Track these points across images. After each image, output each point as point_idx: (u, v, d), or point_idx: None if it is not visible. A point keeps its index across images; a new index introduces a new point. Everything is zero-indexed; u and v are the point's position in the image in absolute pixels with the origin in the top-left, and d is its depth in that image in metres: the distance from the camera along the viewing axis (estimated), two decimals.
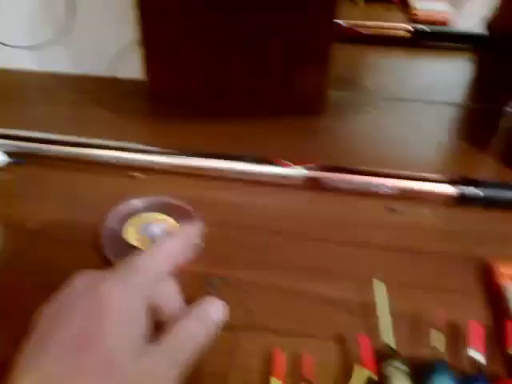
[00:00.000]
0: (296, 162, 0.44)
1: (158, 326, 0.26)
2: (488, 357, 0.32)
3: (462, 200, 0.43)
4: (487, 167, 0.50)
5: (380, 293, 0.34)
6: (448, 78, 0.69)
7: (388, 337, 0.31)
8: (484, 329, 0.32)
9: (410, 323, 0.34)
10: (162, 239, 0.31)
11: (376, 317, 0.32)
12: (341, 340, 0.33)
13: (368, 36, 0.70)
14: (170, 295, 0.28)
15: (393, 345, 0.31)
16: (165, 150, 0.47)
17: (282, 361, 0.31)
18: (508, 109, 0.58)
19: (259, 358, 0.31)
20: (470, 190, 0.42)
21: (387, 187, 0.43)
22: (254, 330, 0.33)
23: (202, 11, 0.51)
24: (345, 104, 0.60)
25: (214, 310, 0.28)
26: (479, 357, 0.30)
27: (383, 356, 0.30)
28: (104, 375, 0.22)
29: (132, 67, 0.59)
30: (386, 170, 0.44)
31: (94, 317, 0.24)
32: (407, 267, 0.38)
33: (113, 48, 0.61)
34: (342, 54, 0.70)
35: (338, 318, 0.34)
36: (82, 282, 0.26)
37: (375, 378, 0.29)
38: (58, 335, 0.23)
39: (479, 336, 0.31)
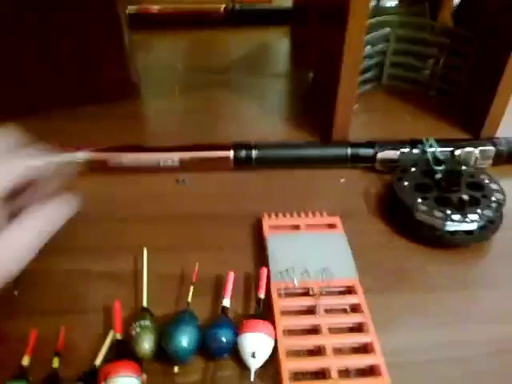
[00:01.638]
0: (82, 146, 0.44)
1: None
2: (244, 302, 0.34)
3: (239, 163, 0.45)
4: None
5: (145, 260, 0.36)
6: (266, 52, 0.73)
7: (144, 301, 0.33)
8: (236, 277, 0.34)
9: (177, 284, 0.36)
10: None
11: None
12: (108, 310, 0.34)
13: (179, 17, 0.72)
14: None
15: (144, 305, 0.32)
16: None
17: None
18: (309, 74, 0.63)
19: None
20: (243, 153, 0.45)
21: (172, 160, 0.45)
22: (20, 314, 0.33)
23: None
24: (155, 87, 0.61)
25: (55, 212, 0.31)
26: (228, 303, 0.33)
27: (136, 316, 0.32)
28: None
29: None
30: (170, 144, 0.45)
31: None
32: (187, 233, 0.40)
33: None
34: (151, 39, 0.72)
35: (109, 291, 0.35)
36: None
37: (119, 337, 0.30)
38: None
39: (231, 284, 0.34)
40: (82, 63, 0.54)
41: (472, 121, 0.51)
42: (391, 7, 0.61)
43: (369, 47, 0.57)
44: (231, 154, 0.45)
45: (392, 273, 0.38)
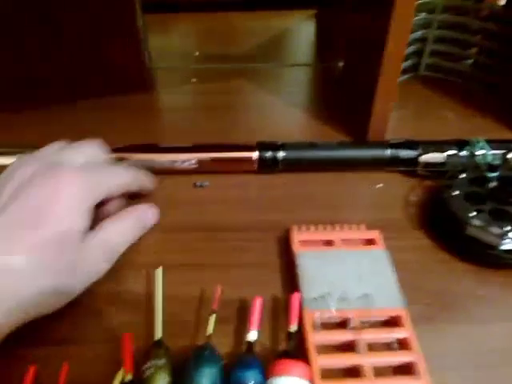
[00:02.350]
0: None
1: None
2: (271, 333, 0.30)
3: (264, 165, 0.40)
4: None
5: (159, 282, 0.31)
6: (290, 39, 0.67)
7: (157, 331, 0.28)
8: (263, 303, 0.30)
9: (195, 309, 0.31)
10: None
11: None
12: (116, 340, 0.29)
13: (198, 2, 0.66)
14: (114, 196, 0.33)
15: (159, 338, 0.28)
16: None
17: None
18: (339, 64, 0.57)
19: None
20: (272, 154, 0.40)
21: (190, 162, 0.40)
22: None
23: None
24: (171, 77, 0.56)
25: (147, 214, 0.35)
26: (255, 337, 0.28)
27: (150, 353, 0.27)
28: (56, 251, 0.27)
29: None
30: (188, 145, 0.41)
31: (49, 198, 0.28)
32: (206, 246, 0.35)
33: None
34: (170, 24, 0.67)
35: (118, 317, 0.31)
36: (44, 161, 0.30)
37: (129, 377, 0.26)
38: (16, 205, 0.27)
39: (259, 313, 0.29)
40: (92, 49, 0.49)
41: None
42: None
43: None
44: (256, 155, 0.40)
45: (440, 298, 0.33)
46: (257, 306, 0.29)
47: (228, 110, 0.51)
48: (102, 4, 0.46)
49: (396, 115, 0.47)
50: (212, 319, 0.29)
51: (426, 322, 0.31)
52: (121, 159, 0.39)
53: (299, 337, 0.29)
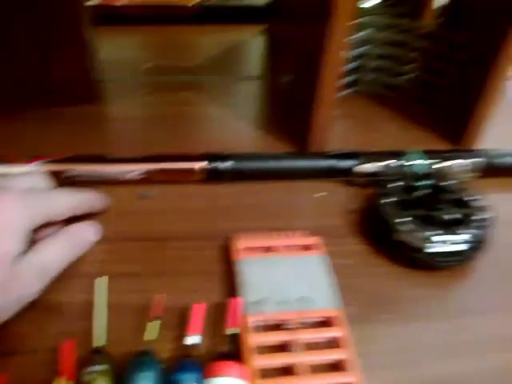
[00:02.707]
0: (36, 157, 0.40)
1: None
2: (213, 339, 0.31)
3: (212, 175, 0.42)
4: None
5: (101, 290, 0.32)
6: (241, 53, 0.69)
7: (99, 338, 0.29)
8: (204, 308, 0.31)
9: (138, 317, 0.32)
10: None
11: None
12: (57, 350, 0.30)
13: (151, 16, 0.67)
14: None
15: (102, 345, 0.28)
16: None
17: None
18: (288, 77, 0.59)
19: None
20: (219, 165, 0.41)
21: (137, 173, 0.41)
22: None
23: None
24: (120, 89, 0.57)
25: (84, 232, 0.35)
26: (196, 341, 0.29)
27: (90, 359, 0.28)
28: None
29: None
30: (136, 156, 0.41)
31: None
32: (150, 256, 0.36)
33: None
34: (123, 37, 0.68)
35: (61, 327, 0.31)
36: None
37: None
38: None
39: (199, 318, 0.30)
40: (39, 59, 0.49)
41: (456, 131, 0.49)
42: (373, 8, 0.59)
43: (348, 50, 0.54)
44: (204, 165, 0.42)
45: (374, 299, 0.35)
46: (196, 312, 0.30)
47: (177, 122, 0.52)
48: (51, 16, 0.47)
49: (340, 128, 0.49)
50: (153, 325, 0.30)
51: (361, 322, 0.32)
52: (68, 178, 0.39)
53: (239, 340, 0.30)
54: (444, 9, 0.53)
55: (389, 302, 0.35)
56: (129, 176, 0.41)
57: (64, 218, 0.34)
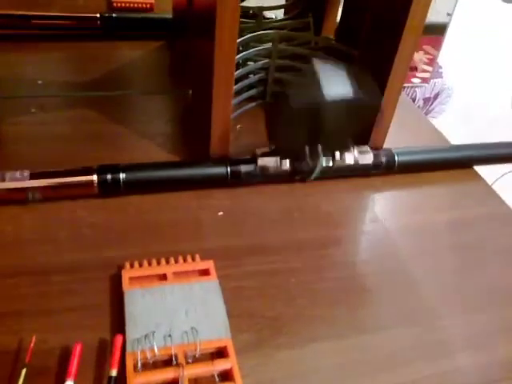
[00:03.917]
0: None
1: None
2: (95, 382, 0.29)
3: (106, 188, 0.40)
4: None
5: None
6: (145, 67, 0.66)
7: None
8: (88, 348, 0.29)
9: (11, 362, 0.29)
10: None
11: None
12: None
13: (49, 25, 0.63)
14: None
15: None
16: None
17: None
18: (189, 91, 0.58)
19: None
20: (110, 177, 0.39)
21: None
22: None
23: None
24: (15, 106, 0.52)
25: None
26: None
27: None
28: None
29: None
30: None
31: None
32: (28, 292, 0.33)
33: None
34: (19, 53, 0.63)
35: None
36: None
37: None
38: None
39: (76, 362, 0.28)
40: None
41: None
42: (275, 21, 0.59)
43: (252, 63, 0.54)
44: (95, 178, 0.39)
45: (273, 323, 0.34)
46: (76, 353, 0.28)
47: (75, 138, 0.49)
48: None
49: (248, 140, 0.48)
50: (23, 373, 0.27)
51: (255, 349, 0.32)
52: None
53: (122, 380, 0.28)
54: (339, 23, 0.54)
55: (287, 324, 0.34)
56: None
57: None
